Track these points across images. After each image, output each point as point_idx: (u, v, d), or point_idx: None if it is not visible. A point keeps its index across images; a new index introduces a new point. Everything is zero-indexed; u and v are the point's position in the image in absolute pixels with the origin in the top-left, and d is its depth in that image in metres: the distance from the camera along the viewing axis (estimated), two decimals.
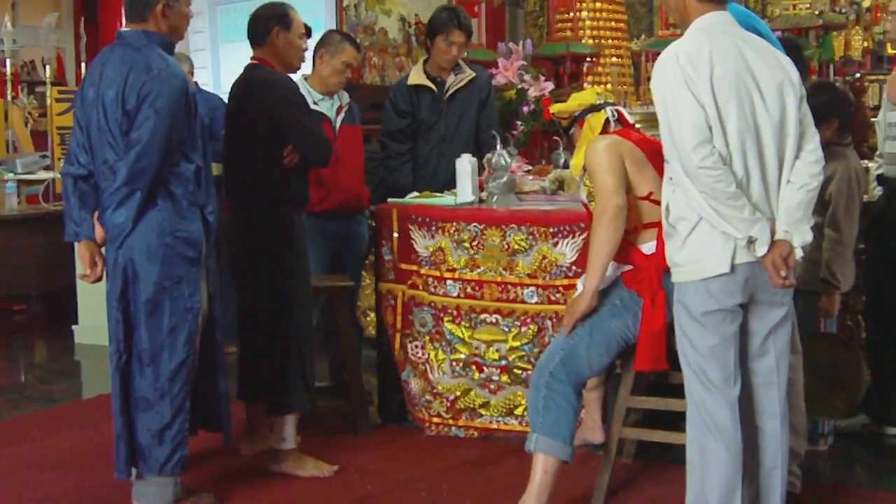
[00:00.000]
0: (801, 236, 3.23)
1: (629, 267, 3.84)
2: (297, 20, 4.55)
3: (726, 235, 3.16)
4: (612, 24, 8.63)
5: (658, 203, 3.78)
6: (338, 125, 5.34)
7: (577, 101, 4.17)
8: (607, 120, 4.03)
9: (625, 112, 4.15)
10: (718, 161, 3.10)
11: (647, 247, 3.82)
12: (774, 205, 3.26)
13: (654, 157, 3.89)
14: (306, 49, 4.68)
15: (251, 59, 4.56)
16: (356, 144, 5.49)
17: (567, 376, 3.77)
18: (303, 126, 4.42)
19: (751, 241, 3.15)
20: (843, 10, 8.14)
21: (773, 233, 3.19)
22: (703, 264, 3.22)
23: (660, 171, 3.84)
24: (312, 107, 5.24)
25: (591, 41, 8.01)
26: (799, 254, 3.23)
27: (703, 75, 3.13)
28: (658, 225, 3.80)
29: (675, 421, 3.97)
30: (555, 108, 4.25)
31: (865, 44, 8.19)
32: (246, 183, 4.40)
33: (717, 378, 3.29)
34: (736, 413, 3.29)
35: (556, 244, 4.57)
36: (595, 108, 4.07)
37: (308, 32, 4.75)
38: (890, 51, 8.04)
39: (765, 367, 3.39)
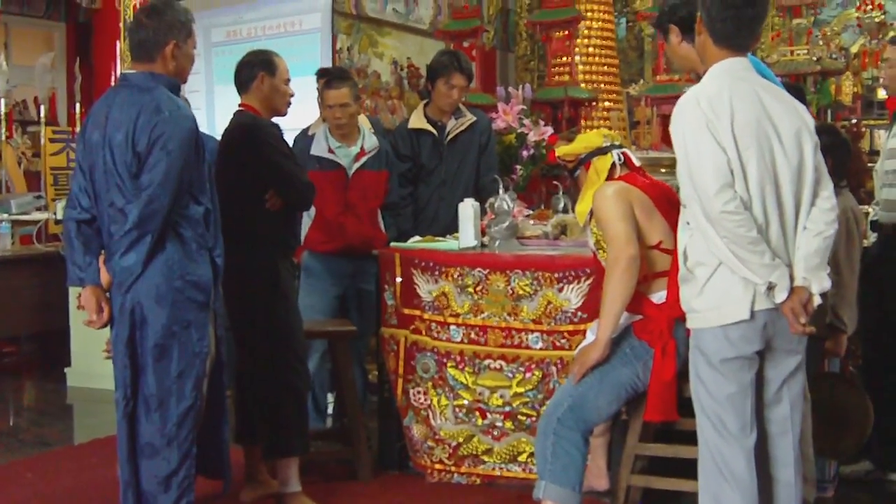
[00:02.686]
0: (819, 283, 3.23)
1: (639, 316, 3.83)
2: (282, 66, 4.58)
3: (746, 281, 3.16)
4: (605, 69, 8.69)
5: (667, 252, 3.79)
6: (352, 171, 5.33)
7: (583, 143, 4.16)
8: (613, 163, 4.03)
9: (632, 155, 4.14)
10: (741, 206, 3.11)
11: (658, 296, 3.82)
12: (791, 251, 3.27)
13: (662, 203, 3.89)
14: (292, 95, 4.69)
15: (238, 105, 4.60)
16: (374, 191, 5.47)
17: (576, 423, 3.75)
18: (282, 170, 4.45)
19: (770, 288, 3.14)
20: (834, 56, 8.20)
21: (790, 279, 3.19)
22: (722, 311, 3.21)
23: (668, 217, 3.84)
24: (326, 155, 5.26)
25: (584, 86, 8.05)
26: (817, 301, 3.23)
27: (724, 120, 3.15)
28: (667, 274, 3.80)
29: (681, 468, 3.95)
30: (560, 150, 4.24)
31: (855, 89, 8.24)
32: (232, 228, 4.39)
33: (734, 426, 3.27)
34: (752, 462, 3.28)
35: (561, 289, 4.55)
36: (601, 151, 4.06)
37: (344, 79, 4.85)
38: (880, 96, 8.09)
39: (779, 416, 3.39)
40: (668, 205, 3.90)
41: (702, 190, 3.14)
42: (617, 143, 4.13)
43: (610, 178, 3.98)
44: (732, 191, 3.12)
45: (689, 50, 3.73)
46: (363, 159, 5.41)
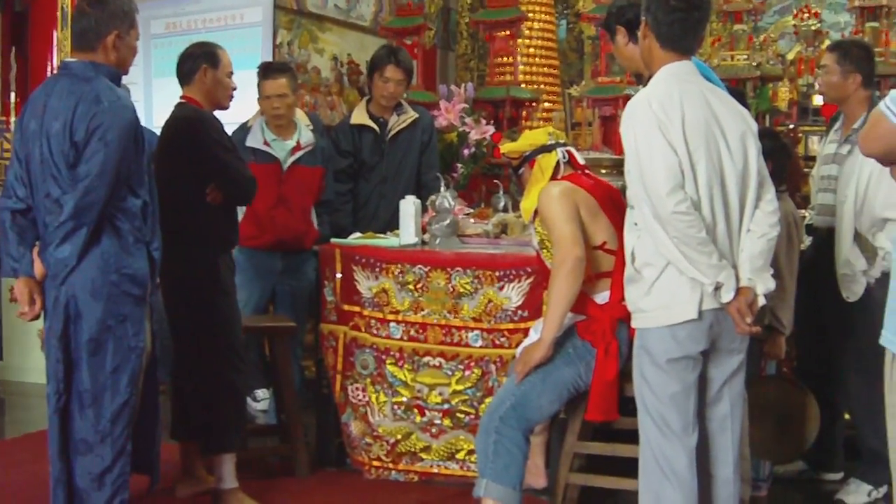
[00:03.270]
0: (764, 284, 3.28)
1: (583, 317, 3.85)
2: (225, 59, 4.54)
3: (693, 281, 3.19)
4: (546, 69, 8.73)
5: (611, 252, 3.81)
6: (286, 165, 5.32)
7: (528, 140, 4.15)
8: (558, 162, 4.04)
9: (576, 154, 4.16)
10: (691, 206, 3.13)
11: (601, 297, 3.84)
12: (736, 252, 3.31)
13: (606, 203, 3.91)
14: (235, 88, 4.66)
15: (180, 97, 4.55)
16: (308, 186, 5.47)
17: (517, 422, 3.75)
18: (224, 164, 4.41)
19: (717, 288, 3.18)
20: (771, 62, 8.31)
21: (736, 280, 3.23)
22: (670, 310, 3.24)
23: (611, 218, 3.86)
24: (262, 147, 5.23)
25: (525, 86, 8.07)
26: (762, 301, 3.27)
27: (675, 121, 3.17)
28: (611, 275, 3.82)
29: (619, 466, 3.98)
30: (506, 147, 4.24)
31: (791, 95, 8.35)
32: (171, 222, 4.35)
33: (677, 425, 3.30)
34: (693, 461, 3.31)
35: (501, 288, 4.55)
36: (546, 149, 4.06)
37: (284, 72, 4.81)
38: (815, 103, 8.20)
39: (720, 414, 3.43)
40: (612, 205, 3.92)
41: (653, 190, 3.15)
42: (562, 141, 4.14)
43: (554, 176, 4.00)
44: (683, 192, 3.14)
45: (635, 51, 3.74)
46: (298, 154, 5.40)
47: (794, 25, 8.95)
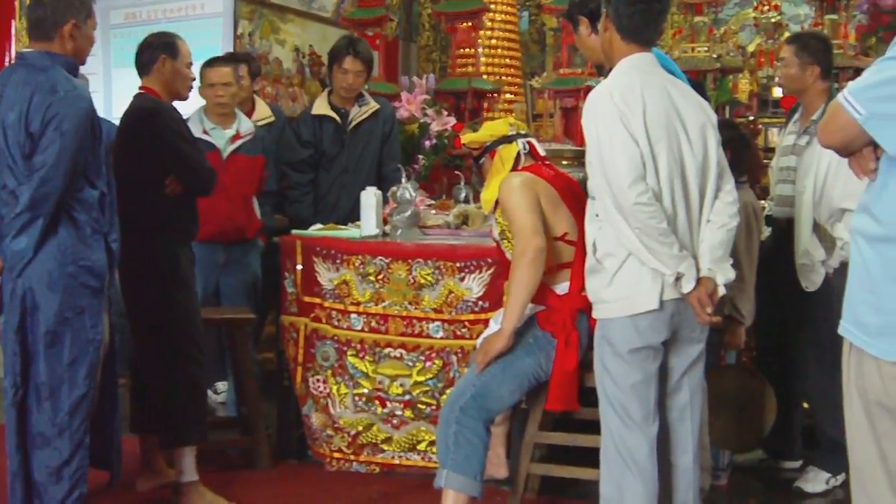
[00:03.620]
0: (724, 274, 3.29)
1: (543, 307, 3.85)
2: (184, 49, 4.50)
3: (655, 272, 3.20)
4: (508, 61, 8.72)
5: (572, 243, 3.81)
6: (226, 154, 5.29)
7: (489, 130, 4.15)
8: (519, 153, 4.03)
9: (537, 144, 4.16)
10: (652, 197, 3.14)
11: (561, 287, 3.84)
12: (696, 243, 3.33)
13: (567, 194, 3.92)
14: (194, 79, 4.63)
15: (139, 88, 4.50)
16: (249, 175, 5.44)
17: (478, 412, 3.75)
18: (184, 155, 4.37)
19: (678, 278, 3.19)
20: (731, 54, 8.36)
21: (696, 270, 3.25)
22: (631, 301, 3.25)
23: (572, 209, 3.87)
24: (201, 136, 5.20)
25: (487, 77, 8.07)
26: (722, 291, 3.29)
27: (636, 113, 3.18)
28: (571, 265, 3.83)
29: (580, 456, 4.00)
30: (466, 137, 4.23)
31: (751, 87, 8.40)
32: (131, 213, 4.31)
33: (638, 415, 3.31)
34: (654, 450, 3.33)
35: (462, 279, 4.55)
36: (507, 140, 4.05)
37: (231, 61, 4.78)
38: (775, 95, 8.25)
39: (680, 403, 3.45)
40: (572, 196, 3.93)
41: (615, 182, 3.16)
42: (522, 132, 4.14)
43: (515, 167, 3.99)
44: (645, 183, 3.15)
45: (598, 42, 3.75)
46: (238, 142, 5.38)
47: (755, 17, 9.01)
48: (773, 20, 8.64)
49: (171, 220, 4.39)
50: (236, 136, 5.40)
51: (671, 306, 3.27)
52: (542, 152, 4.14)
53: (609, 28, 3.39)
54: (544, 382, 3.87)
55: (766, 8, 8.77)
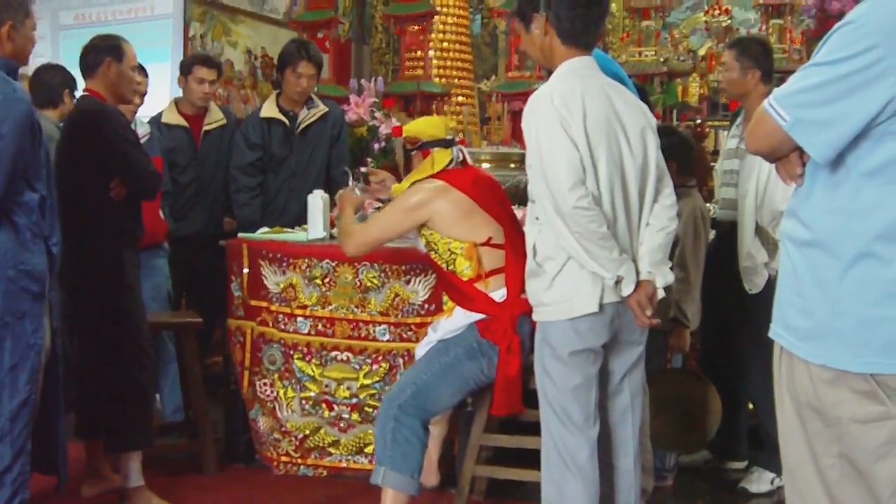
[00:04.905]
0: (663, 277, 3.32)
1: (481, 315, 3.86)
2: (129, 52, 4.47)
3: (595, 275, 3.21)
4: (459, 63, 8.75)
5: (499, 247, 3.82)
6: None
7: (429, 128, 4.13)
8: (451, 161, 4.04)
9: (466, 153, 4.16)
10: (592, 202, 3.16)
11: (499, 294, 3.84)
12: (636, 246, 3.35)
13: (487, 198, 3.94)
14: (139, 82, 4.61)
15: (83, 90, 4.47)
16: None
17: (416, 411, 3.77)
18: (129, 158, 4.34)
19: (618, 282, 3.21)
20: (682, 58, 8.43)
21: (636, 273, 3.27)
22: (571, 304, 3.26)
23: (494, 213, 3.90)
24: None
25: (438, 80, 8.09)
26: (661, 294, 3.32)
27: (576, 117, 3.19)
28: (503, 270, 3.84)
29: (526, 458, 4.01)
30: (409, 129, 4.21)
31: (701, 91, 8.48)
32: (75, 217, 4.28)
33: (579, 418, 3.32)
34: (595, 452, 3.34)
35: (408, 282, 4.56)
36: (444, 143, 4.06)
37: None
38: (725, 98, 8.33)
39: (620, 406, 3.47)
40: (496, 200, 3.97)
41: (555, 186, 3.16)
42: (457, 138, 4.16)
43: (442, 171, 4.01)
44: (585, 187, 3.16)
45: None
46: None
47: (706, 22, 9.10)
48: (723, 24, 8.74)
49: (115, 224, 4.36)
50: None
51: (611, 309, 3.28)
52: (469, 162, 4.17)
53: (549, 32, 3.39)
54: (488, 385, 3.89)
55: (716, 12, 8.86)
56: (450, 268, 3.92)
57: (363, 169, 4.34)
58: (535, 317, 3.42)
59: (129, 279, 4.39)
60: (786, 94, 2.36)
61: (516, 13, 3.67)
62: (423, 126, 4.17)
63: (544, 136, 3.21)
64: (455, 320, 3.90)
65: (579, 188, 3.15)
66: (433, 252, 3.96)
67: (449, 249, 3.90)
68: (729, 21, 8.80)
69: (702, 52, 9.04)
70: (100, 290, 4.31)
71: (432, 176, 3.98)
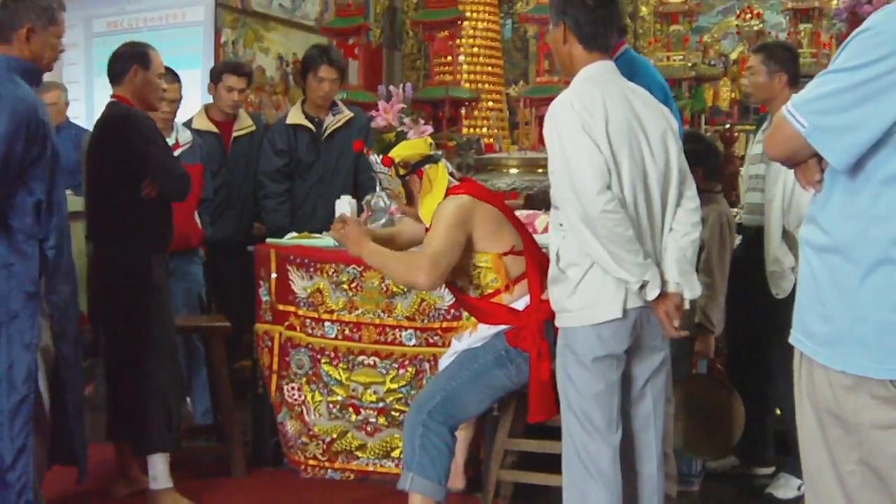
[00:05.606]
0: (691, 289, 3.32)
1: (508, 327, 3.83)
2: (156, 60, 4.53)
3: (618, 281, 3.21)
4: (489, 69, 8.75)
5: (520, 254, 3.81)
6: None
7: (414, 150, 4.07)
8: (450, 172, 4.02)
9: (450, 166, 4.10)
10: (619, 205, 3.16)
11: (522, 302, 3.82)
12: (659, 251, 3.35)
13: (506, 208, 3.96)
14: (165, 90, 4.66)
15: (111, 97, 4.53)
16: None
17: (444, 418, 3.77)
18: (157, 160, 4.38)
19: (643, 286, 3.21)
20: (713, 62, 8.40)
21: (660, 278, 3.26)
22: (594, 310, 3.25)
23: (511, 220, 3.90)
24: None
25: (468, 85, 8.11)
26: (687, 305, 3.32)
27: (598, 122, 3.19)
28: (525, 276, 3.83)
29: (551, 463, 4.02)
30: (397, 153, 4.08)
31: (733, 95, 8.44)
32: (105, 220, 4.33)
33: (601, 423, 3.31)
34: (617, 458, 3.32)
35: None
36: (431, 160, 4.01)
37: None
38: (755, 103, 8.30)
39: (643, 412, 3.45)
40: (507, 208, 3.99)
41: (582, 191, 3.15)
42: (439, 153, 4.12)
43: (459, 186, 3.97)
44: (611, 191, 3.17)
45: None
46: (177, 151, 5.39)
47: (737, 26, 9.04)
48: (755, 28, 8.67)
49: (145, 227, 4.41)
50: (175, 146, 5.43)
51: (634, 315, 3.28)
52: (457, 175, 4.11)
53: (569, 39, 3.39)
54: (514, 392, 3.89)
55: (748, 16, 8.80)
56: (473, 283, 3.89)
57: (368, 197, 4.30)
58: (557, 322, 3.41)
59: (156, 282, 4.44)
60: (804, 100, 2.37)
61: (549, 11, 3.67)
62: (405, 149, 4.09)
63: (568, 142, 3.21)
64: (481, 332, 3.90)
65: (606, 192, 3.15)
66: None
67: (474, 264, 3.87)
68: (760, 25, 8.75)
69: (733, 56, 8.99)
70: (125, 292, 4.37)
71: (455, 190, 3.93)
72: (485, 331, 3.87)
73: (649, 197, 3.31)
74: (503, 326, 3.83)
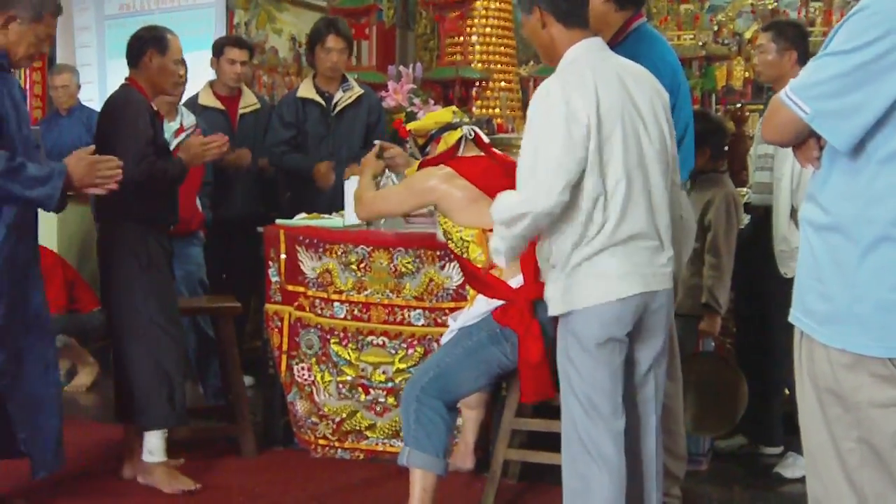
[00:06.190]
0: None
1: (501, 302, 3.82)
2: (174, 45, 4.52)
3: (614, 266, 3.14)
4: (502, 49, 8.69)
5: None
6: (171, 147, 5.29)
7: (433, 119, 4.16)
8: (460, 139, 4.03)
9: (482, 134, 4.15)
10: (552, 218, 3.14)
11: (515, 281, 3.80)
12: (662, 230, 3.24)
13: (503, 183, 3.84)
14: (181, 75, 4.65)
15: (125, 78, 4.54)
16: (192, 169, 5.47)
17: (438, 392, 3.78)
18: (125, 145, 4.28)
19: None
20: (726, 41, 8.35)
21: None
22: (592, 294, 3.16)
23: None
24: None
25: (480, 65, 8.07)
26: None
27: (589, 106, 3.07)
28: (518, 257, 3.80)
29: (559, 442, 4.01)
30: (412, 125, 4.24)
31: (746, 74, 8.40)
32: (108, 200, 4.36)
33: (606, 409, 3.21)
34: (621, 443, 3.24)
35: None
36: (451, 127, 4.06)
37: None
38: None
39: (646, 396, 3.36)
40: (509, 186, 3.93)
41: (541, 184, 3.08)
42: (466, 120, 4.14)
43: (454, 152, 4.01)
44: (564, 196, 3.08)
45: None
46: (182, 136, 5.42)
47: (752, 4, 8.98)
48: (769, 6, 8.63)
49: (146, 208, 4.41)
50: (180, 130, 5.46)
51: (636, 299, 3.18)
52: (486, 140, 4.14)
53: (547, 21, 3.25)
54: (516, 370, 3.88)
55: None
56: (464, 255, 3.93)
57: (376, 142, 4.33)
58: (552, 311, 3.30)
59: (153, 260, 4.44)
60: (804, 85, 2.37)
61: (518, 3, 3.58)
62: (426, 120, 4.18)
63: (541, 132, 3.11)
64: (476, 308, 3.89)
65: (563, 193, 3.07)
66: (449, 241, 3.98)
67: (461, 238, 3.91)
68: (775, 3, 8.70)
69: (748, 35, 8.94)
70: (120, 270, 4.40)
71: (442, 161, 3.98)
72: (482, 305, 3.87)
73: (647, 179, 3.20)
74: (499, 303, 3.82)
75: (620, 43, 3.80)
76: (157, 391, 4.40)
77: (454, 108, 4.33)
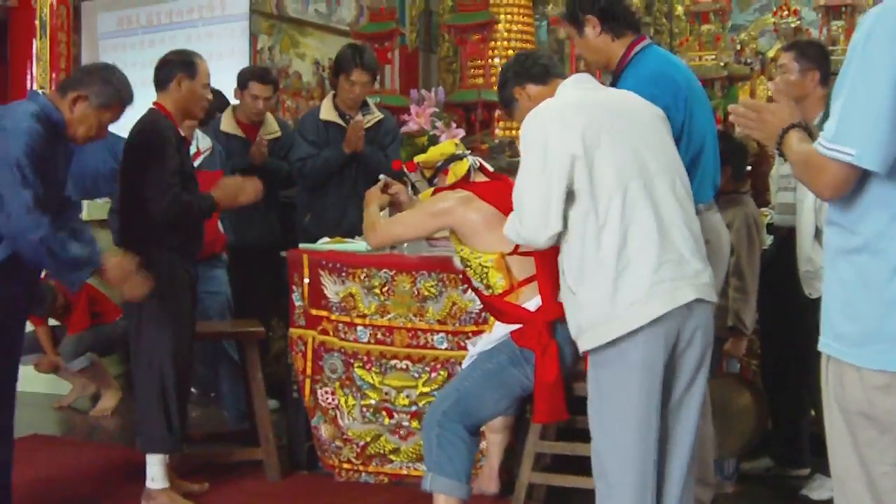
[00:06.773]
0: None
1: (517, 325, 3.80)
2: (203, 70, 4.53)
3: (652, 281, 3.06)
4: None
5: (528, 255, 3.75)
6: None
7: (439, 150, 4.19)
8: (470, 168, 4.05)
9: (486, 164, 4.18)
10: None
11: (532, 303, 3.78)
12: (681, 244, 3.13)
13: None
14: (210, 100, 4.67)
15: (153, 103, 4.54)
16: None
17: (460, 417, 3.75)
18: (150, 180, 4.32)
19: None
20: (749, 60, 8.34)
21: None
22: (610, 325, 3.06)
23: None
24: None
25: None
26: None
27: (576, 122, 3.07)
28: (535, 279, 3.79)
29: (584, 466, 4.00)
30: (420, 157, 4.26)
31: (769, 93, 8.38)
32: (130, 229, 4.39)
33: (636, 433, 3.11)
34: (653, 465, 3.16)
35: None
36: (457, 158, 4.09)
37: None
38: None
39: (681, 420, 3.25)
40: None
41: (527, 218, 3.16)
42: (468, 152, 4.17)
43: (465, 181, 4.03)
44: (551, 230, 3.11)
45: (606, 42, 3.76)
46: (199, 159, 5.44)
47: (774, 23, 8.97)
48: (792, 25, 8.61)
49: (169, 237, 4.43)
50: (197, 154, 5.46)
51: (668, 321, 3.06)
52: (491, 170, 4.17)
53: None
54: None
55: (785, 13, 8.74)
56: (483, 282, 3.90)
57: (381, 177, 4.34)
58: (581, 346, 3.21)
59: (175, 286, 4.44)
60: (838, 133, 2.32)
61: (566, 17, 3.62)
62: (433, 152, 4.22)
63: (535, 159, 3.11)
64: (496, 332, 3.88)
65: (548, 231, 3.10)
66: (468, 268, 3.95)
67: (480, 264, 3.87)
68: (798, 22, 8.68)
69: (771, 54, 8.93)
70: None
71: (457, 186, 4.00)
72: (499, 332, 3.85)
73: (654, 196, 3.10)
74: (516, 326, 3.80)
75: (624, 68, 3.80)
76: (156, 416, 4.41)
77: (456, 140, 4.40)
